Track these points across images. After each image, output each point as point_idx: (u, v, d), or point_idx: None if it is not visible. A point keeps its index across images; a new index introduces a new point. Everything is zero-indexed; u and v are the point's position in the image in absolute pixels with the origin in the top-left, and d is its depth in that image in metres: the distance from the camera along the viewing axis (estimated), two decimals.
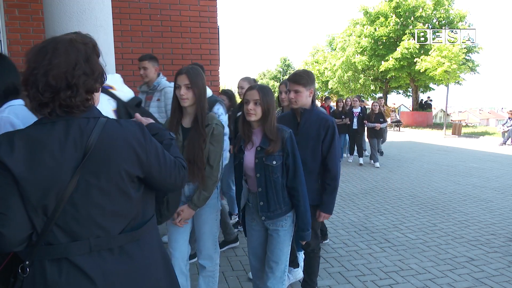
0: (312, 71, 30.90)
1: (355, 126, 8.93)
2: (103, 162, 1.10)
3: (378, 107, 8.85)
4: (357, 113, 8.96)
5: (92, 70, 1.13)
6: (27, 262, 1.09)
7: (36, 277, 1.08)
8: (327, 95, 12.73)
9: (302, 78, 2.45)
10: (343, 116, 9.02)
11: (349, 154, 9.53)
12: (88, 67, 1.12)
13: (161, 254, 1.30)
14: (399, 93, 30.17)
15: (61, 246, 1.09)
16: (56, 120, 1.09)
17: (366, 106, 11.18)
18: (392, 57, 23.69)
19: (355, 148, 9.33)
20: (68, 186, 1.06)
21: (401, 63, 23.38)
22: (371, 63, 25.65)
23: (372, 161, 8.99)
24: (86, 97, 1.13)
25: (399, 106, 31.65)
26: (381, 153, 10.19)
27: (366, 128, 8.96)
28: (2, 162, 1.02)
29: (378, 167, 8.59)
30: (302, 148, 2.38)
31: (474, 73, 24.24)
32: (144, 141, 1.18)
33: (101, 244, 1.12)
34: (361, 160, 8.97)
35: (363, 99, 12.70)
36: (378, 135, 8.84)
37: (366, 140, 9.33)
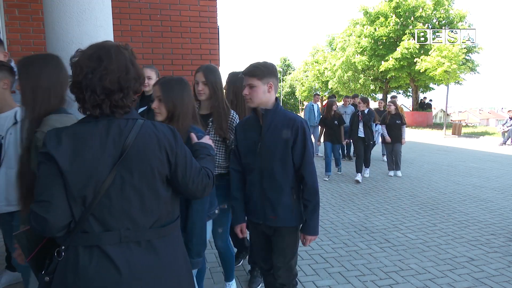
0: (313, 71, 30.29)
1: (361, 133, 7.16)
2: (138, 160, 1.21)
3: (394, 107, 7.58)
4: (361, 116, 7.31)
5: (138, 73, 1.28)
6: (63, 247, 1.20)
7: (69, 261, 1.19)
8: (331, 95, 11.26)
9: (256, 69, 2.00)
10: (336, 122, 7.33)
11: (364, 168, 7.45)
12: (135, 71, 1.26)
13: (183, 253, 1.39)
14: (399, 93, 30.17)
15: (95, 234, 1.19)
16: (100, 119, 1.22)
17: (372, 107, 10.16)
18: (392, 57, 23.69)
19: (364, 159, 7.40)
20: (105, 180, 1.17)
21: (401, 63, 23.39)
22: (371, 63, 25.66)
23: (391, 172, 7.65)
24: (133, 99, 1.28)
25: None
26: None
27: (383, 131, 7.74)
28: (50, 155, 1.15)
29: (400, 176, 7.50)
30: (268, 158, 2.02)
31: (474, 73, 24.26)
32: (174, 144, 1.29)
33: (130, 236, 1.21)
34: (367, 173, 7.51)
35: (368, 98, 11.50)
36: (396, 140, 7.51)
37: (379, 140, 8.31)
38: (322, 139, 7.96)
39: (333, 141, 7.47)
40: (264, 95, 2.02)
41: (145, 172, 1.22)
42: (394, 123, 7.51)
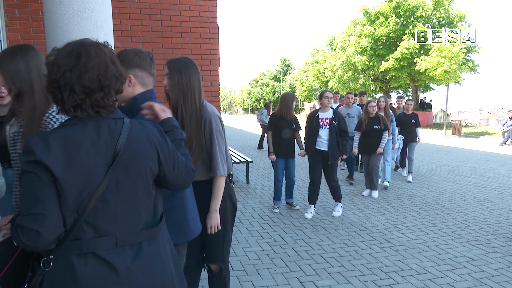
0: (313, 71, 29.82)
1: (322, 145, 4.78)
2: (132, 162, 1.18)
3: (375, 107, 5.75)
4: (326, 120, 4.81)
5: (119, 72, 1.22)
6: (51, 257, 1.12)
7: (60, 271, 1.13)
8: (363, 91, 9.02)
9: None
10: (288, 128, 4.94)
11: (309, 204, 4.96)
12: (116, 69, 1.20)
13: (170, 249, 1.37)
14: (399, 93, 30.17)
15: (90, 241, 1.14)
16: (87, 121, 1.15)
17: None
18: (392, 57, 23.70)
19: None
20: (100, 184, 1.12)
21: (401, 63, 23.39)
22: (371, 63, 25.67)
23: (365, 192, 6.05)
24: (114, 98, 1.22)
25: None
26: (399, 166, 7.90)
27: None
28: (40, 163, 1.05)
29: (376, 197, 5.84)
30: None
31: (474, 73, 24.26)
32: (162, 141, 1.28)
33: (125, 239, 1.19)
34: (309, 211, 4.86)
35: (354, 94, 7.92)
36: (373, 151, 5.74)
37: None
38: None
39: (286, 155, 4.98)
40: (124, 90, 1.62)
41: (139, 173, 1.20)
42: (372, 129, 5.71)
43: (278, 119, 4.93)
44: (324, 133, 4.79)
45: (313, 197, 4.93)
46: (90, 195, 1.11)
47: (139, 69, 1.66)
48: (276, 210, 5.09)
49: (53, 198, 1.07)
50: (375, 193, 5.89)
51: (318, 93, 5.02)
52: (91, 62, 1.13)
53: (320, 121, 4.82)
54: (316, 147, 4.81)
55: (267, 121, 11.78)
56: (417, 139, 7.19)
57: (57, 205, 1.08)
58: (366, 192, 6.03)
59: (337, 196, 4.97)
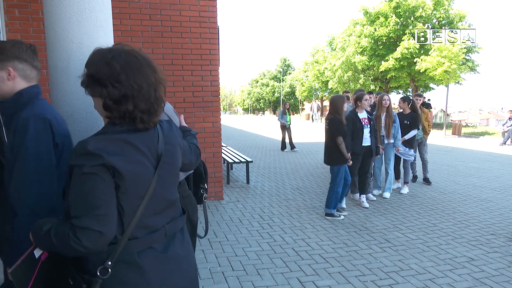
0: (313, 71, 29.80)
1: (366, 141, 5.17)
2: (169, 160, 1.28)
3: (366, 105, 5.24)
4: (365, 120, 5.21)
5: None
6: (109, 263, 1.12)
7: (125, 272, 1.15)
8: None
9: None
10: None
11: (360, 194, 5.45)
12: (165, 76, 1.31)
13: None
14: (399, 93, 30.19)
15: (145, 237, 1.20)
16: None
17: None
18: (392, 57, 23.72)
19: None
20: (151, 183, 1.20)
21: (401, 63, 23.41)
22: (371, 63, 25.69)
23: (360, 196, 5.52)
24: None
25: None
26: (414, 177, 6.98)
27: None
28: (106, 166, 1.08)
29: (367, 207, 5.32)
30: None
31: (474, 73, 24.27)
32: (181, 138, 1.43)
33: (171, 228, 1.30)
34: (365, 200, 5.37)
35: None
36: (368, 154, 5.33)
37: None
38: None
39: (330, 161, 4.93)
40: (3, 84, 1.52)
41: (174, 169, 1.33)
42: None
43: (342, 124, 4.76)
44: (366, 132, 5.22)
45: (365, 188, 5.41)
46: (143, 194, 1.18)
47: (19, 61, 1.51)
48: (345, 214, 4.96)
49: (113, 199, 1.11)
50: (370, 196, 5.55)
51: (355, 95, 5.28)
52: (159, 75, 1.22)
53: (362, 121, 5.18)
54: (363, 144, 5.20)
55: (283, 121, 11.72)
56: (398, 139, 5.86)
57: (115, 206, 1.12)
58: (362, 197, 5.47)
59: (364, 189, 5.41)
